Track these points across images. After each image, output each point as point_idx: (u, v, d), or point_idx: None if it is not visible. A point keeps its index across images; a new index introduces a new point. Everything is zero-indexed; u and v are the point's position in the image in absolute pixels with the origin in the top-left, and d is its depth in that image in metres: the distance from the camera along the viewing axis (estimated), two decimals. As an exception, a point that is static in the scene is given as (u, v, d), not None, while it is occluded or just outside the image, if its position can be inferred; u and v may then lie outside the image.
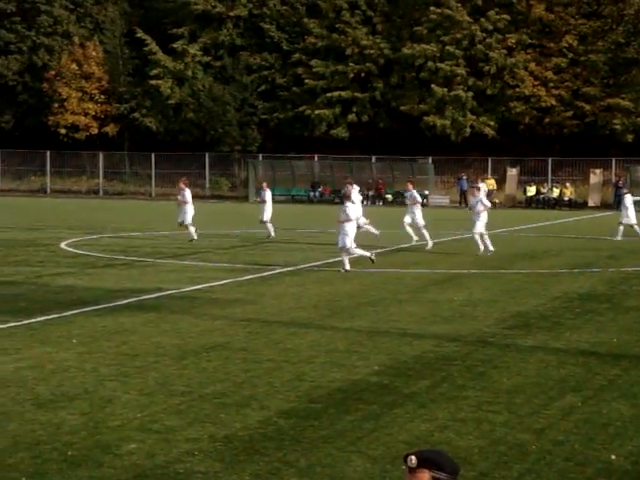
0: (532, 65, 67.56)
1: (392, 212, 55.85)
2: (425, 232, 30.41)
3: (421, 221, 30.81)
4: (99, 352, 13.78)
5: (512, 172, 65.52)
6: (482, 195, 30.63)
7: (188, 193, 33.05)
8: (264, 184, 36.88)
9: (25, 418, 10.35)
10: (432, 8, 67.67)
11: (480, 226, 29.06)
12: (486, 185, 61.57)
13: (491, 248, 28.62)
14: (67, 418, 10.36)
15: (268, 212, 34.06)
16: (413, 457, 4.85)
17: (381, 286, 21.65)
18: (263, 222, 33.95)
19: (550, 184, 64.09)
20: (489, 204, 30.03)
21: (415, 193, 31.79)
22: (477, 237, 29.16)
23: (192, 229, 32.06)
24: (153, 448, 9.36)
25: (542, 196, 63.35)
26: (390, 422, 10.36)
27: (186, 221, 32.36)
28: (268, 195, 34.79)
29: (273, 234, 33.55)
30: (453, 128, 67.28)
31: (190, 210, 32.51)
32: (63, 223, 40.41)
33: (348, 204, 25.13)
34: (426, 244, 30.03)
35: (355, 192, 31.39)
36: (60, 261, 25.97)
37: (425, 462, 4.85)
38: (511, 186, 65.52)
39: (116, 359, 13.32)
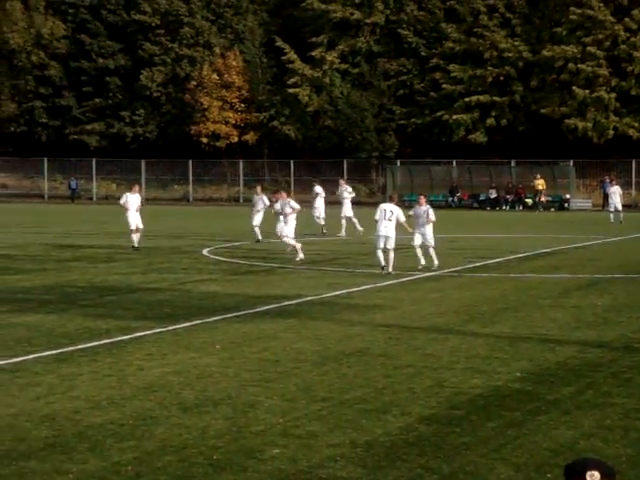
0: (678, 64, 65.63)
1: (532, 217, 55.10)
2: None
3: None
4: (241, 358, 13.98)
5: (657, 174, 63.76)
6: (291, 199, 29.72)
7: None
8: (258, 189, 37.55)
9: (172, 422, 10.58)
10: (572, 8, 66.43)
11: (289, 230, 28.00)
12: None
13: (301, 256, 27.26)
14: (212, 422, 10.54)
15: (258, 217, 34.78)
16: (596, 473, 4.68)
17: (521, 291, 21.36)
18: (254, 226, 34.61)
19: (697, 186, 62.17)
20: (298, 207, 28.65)
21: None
22: (289, 240, 28.17)
23: (134, 236, 31.66)
24: (296, 453, 9.44)
25: (689, 198, 61.44)
26: (534, 429, 10.21)
27: (133, 225, 31.71)
28: (262, 202, 35.23)
29: (260, 237, 34.36)
30: (595, 130, 65.89)
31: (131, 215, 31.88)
32: (205, 230, 41.16)
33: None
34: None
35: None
36: (202, 268, 26.46)
37: (606, 476, 4.69)
38: (656, 188, 63.75)
39: (258, 365, 13.49)
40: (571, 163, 65.01)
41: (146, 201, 74.07)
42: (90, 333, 16.03)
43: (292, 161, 71.86)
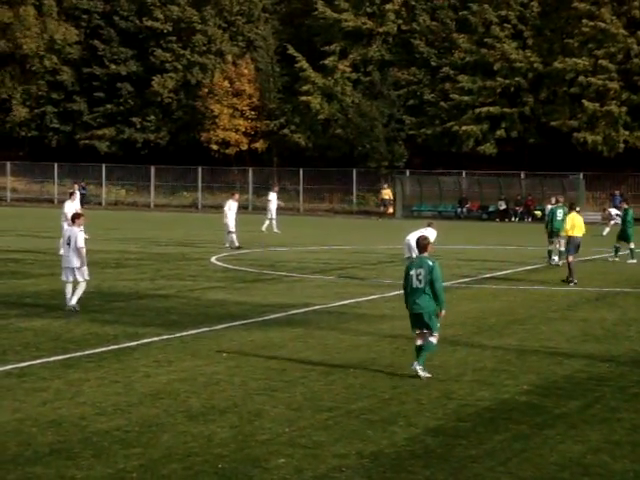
0: (690, 78, 65.51)
1: (541, 229, 54.93)
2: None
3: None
4: (248, 366, 13.96)
5: (668, 188, 63.58)
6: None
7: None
8: (236, 196, 39.80)
9: (178, 430, 10.56)
10: (585, 21, 66.34)
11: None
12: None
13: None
14: (217, 431, 10.52)
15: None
16: None
17: (530, 304, 21.31)
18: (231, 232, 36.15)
19: None
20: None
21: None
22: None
23: None
24: (301, 463, 9.42)
25: (699, 213, 61.19)
26: (540, 443, 10.17)
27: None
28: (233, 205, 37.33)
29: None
30: (605, 144, 65.74)
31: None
32: (213, 238, 41.17)
33: None
34: None
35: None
36: (211, 275, 26.46)
37: None
38: (667, 202, 63.53)
39: (264, 373, 13.47)
40: (581, 176, 64.89)
41: (155, 207, 74.38)
42: (97, 339, 16.04)
43: (301, 169, 71.87)
